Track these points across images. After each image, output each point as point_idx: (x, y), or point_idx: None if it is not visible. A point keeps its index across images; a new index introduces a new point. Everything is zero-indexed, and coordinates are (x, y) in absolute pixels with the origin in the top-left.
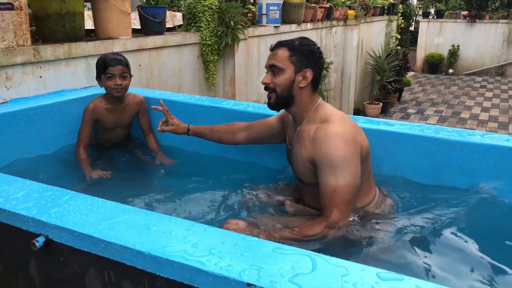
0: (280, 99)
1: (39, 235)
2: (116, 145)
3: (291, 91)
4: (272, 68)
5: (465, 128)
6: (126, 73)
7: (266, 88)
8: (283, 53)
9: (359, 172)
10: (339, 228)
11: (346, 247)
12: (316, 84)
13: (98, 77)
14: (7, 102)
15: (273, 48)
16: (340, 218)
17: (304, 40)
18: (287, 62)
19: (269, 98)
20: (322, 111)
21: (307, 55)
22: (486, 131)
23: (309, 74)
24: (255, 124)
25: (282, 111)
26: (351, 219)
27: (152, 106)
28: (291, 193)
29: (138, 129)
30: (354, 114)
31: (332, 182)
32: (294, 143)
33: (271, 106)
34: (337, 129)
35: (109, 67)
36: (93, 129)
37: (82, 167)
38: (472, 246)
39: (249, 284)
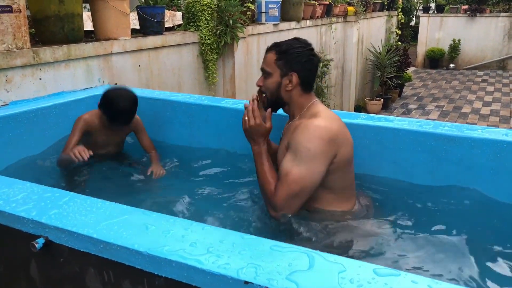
0: (270, 101)
1: (39, 237)
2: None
3: (279, 94)
4: (262, 71)
5: (467, 123)
6: None
7: (259, 91)
8: (271, 56)
9: (319, 172)
10: (282, 218)
11: (340, 249)
12: (307, 85)
13: (104, 113)
14: (7, 104)
15: (266, 51)
16: (280, 202)
17: (294, 43)
18: (274, 66)
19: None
20: (315, 109)
21: (294, 59)
22: (488, 125)
23: (294, 78)
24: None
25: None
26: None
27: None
28: None
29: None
30: (355, 110)
31: (288, 166)
32: (282, 136)
33: (265, 107)
34: (319, 123)
35: (117, 123)
36: (83, 143)
37: (65, 158)
38: (469, 242)
39: (246, 282)
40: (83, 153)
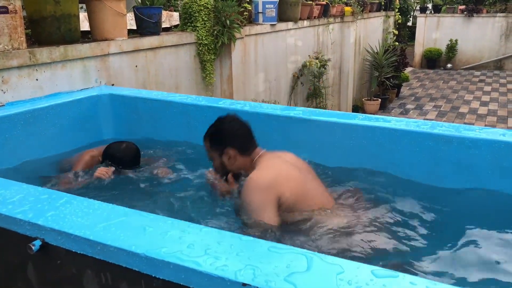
0: (224, 179)
1: (35, 239)
2: None
3: (226, 169)
4: (208, 158)
5: (464, 123)
6: None
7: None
8: (206, 144)
9: (270, 218)
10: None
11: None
12: (245, 149)
13: (111, 163)
14: (3, 105)
15: (203, 142)
16: None
17: (218, 124)
18: (211, 151)
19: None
20: (257, 163)
21: (222, 138)
22: (485, 125)
23: (231, 151)
24: None
25: None
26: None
27: None
28: None
29: None
30: (353, 110)
31: (244, 218)
32: None
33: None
34: (255, 175)
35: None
36: None
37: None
38: (467, 241)
39: (244, 284)
40: (109, 171)
